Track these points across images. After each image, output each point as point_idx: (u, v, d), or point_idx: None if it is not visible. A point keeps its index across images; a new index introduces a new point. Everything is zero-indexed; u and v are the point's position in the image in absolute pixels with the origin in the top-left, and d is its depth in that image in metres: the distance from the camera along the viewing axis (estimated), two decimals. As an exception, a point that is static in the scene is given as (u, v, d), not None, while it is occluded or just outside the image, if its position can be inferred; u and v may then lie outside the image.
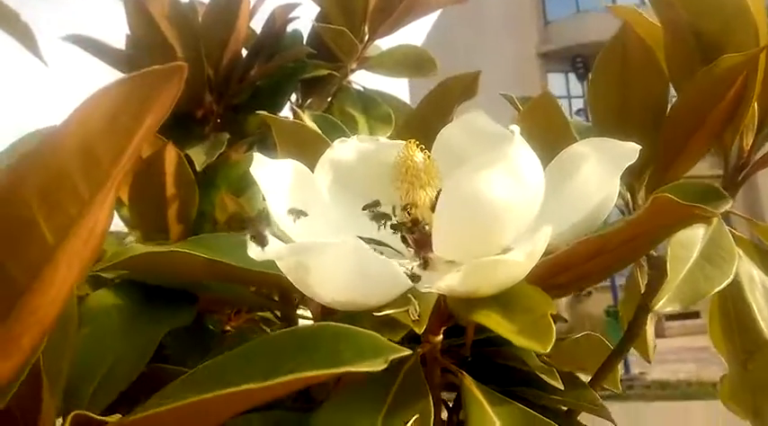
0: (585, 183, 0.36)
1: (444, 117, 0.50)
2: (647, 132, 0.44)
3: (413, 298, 0.30)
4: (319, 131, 0.45)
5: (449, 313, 0.32)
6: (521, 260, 0.27)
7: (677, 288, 0.36)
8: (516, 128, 0.31)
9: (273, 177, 0.39)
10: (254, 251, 0.30)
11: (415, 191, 0.37)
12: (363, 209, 0.40)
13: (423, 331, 0.28)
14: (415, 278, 0.33)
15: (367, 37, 0.89)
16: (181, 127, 0.85)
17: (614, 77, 0.43)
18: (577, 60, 12.68)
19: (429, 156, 0.38)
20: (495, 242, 0.31)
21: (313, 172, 0.43)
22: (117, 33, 0.95)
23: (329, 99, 0.94)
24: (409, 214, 0.37)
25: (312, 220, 0.40)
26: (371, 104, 0.85)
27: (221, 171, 0.74)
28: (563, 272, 0.34)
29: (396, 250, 0.40)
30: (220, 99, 0.88)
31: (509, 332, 0.27)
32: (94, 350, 0.38)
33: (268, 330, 0.88)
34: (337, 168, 0.44)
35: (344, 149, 0.45)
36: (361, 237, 0.41)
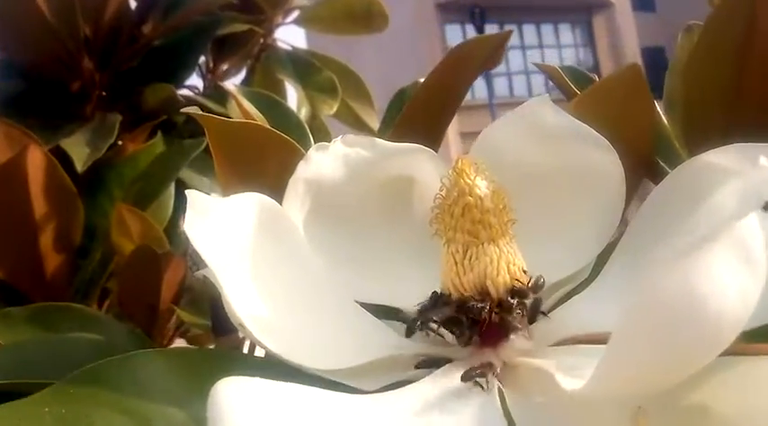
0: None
1: (458, 99, 0.34)
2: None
3: None
4: (284, 136, 0.27)
5: None
6: None
7: None
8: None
9: (223, 233, 0.21)
10: None
11: (481, 250, 0.22)
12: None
13: None
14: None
15: (296, -18, 0.70)
16: (50, 105, 0.63)
17: (734, 38, 0.29)
18: (474, 11, 12.63)
19: (496, 185, 0.22)
20: (696, 365, 0.16)
21: (280, 202, 0.26)
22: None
23: (250, 62, 0.74)
24: (478, 294, 0.21)
25: (292, 286, 0.24)
26: (308, 69, 0.67)
27: (113, 169, 0.54)
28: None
29: (433, 332, 0.24)
30: (104, 65, 0.66)
31: None
32: None
33: None
34: (318, 194, 0.27)
35: (325, 161, 0.28)
36: (366, 307, 0.25)
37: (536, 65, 0.33)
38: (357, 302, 0.25)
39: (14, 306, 0.41)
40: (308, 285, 0.24)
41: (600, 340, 0.23)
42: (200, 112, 0.24)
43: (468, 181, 0.22)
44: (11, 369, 0.30)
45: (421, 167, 0.29)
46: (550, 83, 0.36)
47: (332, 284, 0.25)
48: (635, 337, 0.15)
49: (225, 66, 0.73)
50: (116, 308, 0.56)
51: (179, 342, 0.63)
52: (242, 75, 0.77)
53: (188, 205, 0.21)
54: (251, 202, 0.23)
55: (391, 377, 0.22)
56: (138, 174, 0.53)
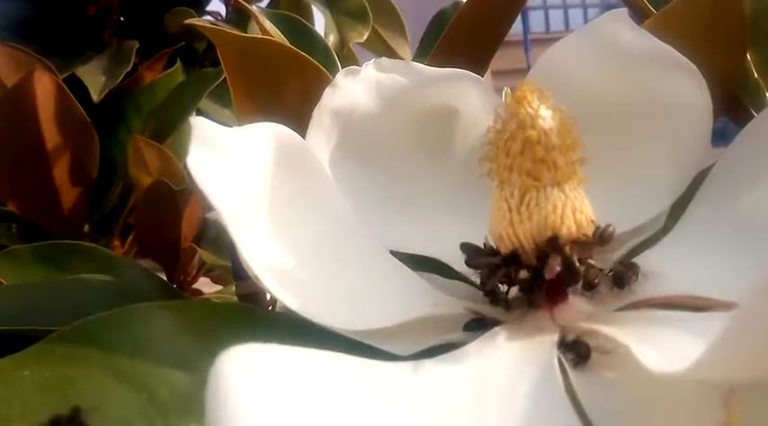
0: None
1: (509, 18, 0.30)
2: None
3: None
4: (308, 56, 0.23)
5: None
6: None
7: None
8: None
9: (235, 171, 0.18)
10: None
11: (543, 195, 0.18)
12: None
13: None
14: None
15: None
16: (65, 31, 0.60)
17: None
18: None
19: (564, 117, 0.18)
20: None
21: (303, 135, 0.22)
22: None
23: (275, -14, 0.69)
24: (535, 246, 0.18)
25: (315, 233, 0.20)
26: (337, -7, 0.62)
27: (130, 98, 0.51)
28: None
29: (471, 284, 0.21)
30: (121, -12, 0.62)
31: None
32: None
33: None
34: (346, 126, 0.24)
35: (356, 89, 0.24)
36: (402, 257, 0.22)
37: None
38: (390, 252, 0.22)
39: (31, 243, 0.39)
40: (334, 231, 0.21)
41: (679, 304, 0.19)
42: (210, 25, 0.20)
43: (531, 110, 0.18)
44: (14, 313, 0.28)
45: (466, 96, 0.25)
46: (590, 18, 0.31)
47: (362, 231, 0.22)
48: (763, 317, 0.11)
49: (249, -10, 0.68)
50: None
51: (204, 281, 0.61)
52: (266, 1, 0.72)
53: (193, 136, 0.17)
54: (268, 134, 0.20)
55: (429, 339, 0.19)
56: (157, 105, 0.50)
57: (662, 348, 0.16)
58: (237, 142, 0.19)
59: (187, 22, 0.22)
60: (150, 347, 0.17)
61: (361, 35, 0.58)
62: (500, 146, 0.18)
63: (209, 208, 0.18)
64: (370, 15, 0.59)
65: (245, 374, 0.12)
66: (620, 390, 0.16)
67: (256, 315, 0.19)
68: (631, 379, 0.16)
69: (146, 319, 0.17)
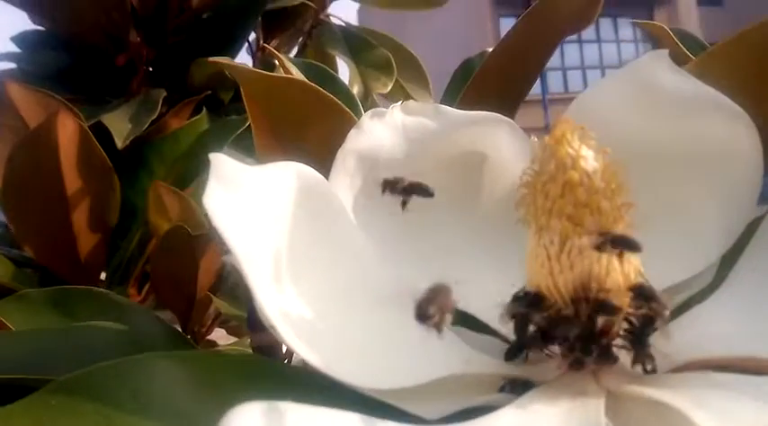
0: None
1: (540, 63, 0.29)
2: None
3: None
4: (332, 97, 0.23)
5: None
6: None
7: None
8: None
9: (254, 210, 0.17)
10: None
11: (586, 242, 0.16)
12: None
13: None
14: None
15: (352, -47, 0.65)
16: (95, 80, 0.61)
17: None
18: (531, 3, 12.22)
19: (607, 158, 0.17)
20: None
21: (326, 176, 0.21)
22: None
23: (301, 39, 0.70)
24: (578, 300, 0.16)
25: (338, 281, 0.19)
26: (362, 46, 0.62)
27: (155, 146, 0.51)
28: None
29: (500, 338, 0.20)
30: (151, 38, 0.63)
31: None
32: None
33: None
34: (372, 170, 0.23)
35: (381, 132, 0.23)
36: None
37: (639, 24, 0.27)
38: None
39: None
40: (357, 279, 0.20)
41: (734, 365, 0.17)
42: (235, 64, 0.20)
43: (572, 150, 0.17)
44: (23, 360, 0.26)
45: (497, 141, 0.24)
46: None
47: (387, 279, 0.20)
48: None
49: (275, 43, 0.69)
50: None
51: (218, 333, 0.59)
52: (293, 53, 0.73)
53: (211, 172, 0.16)
54: (290, 173, 0.19)
55: (459, 400, 0.17)
56: (181, 152, 0.50)
57: (721, 413, 0.14)
58: (258, 180, 0.18)
59: (212, 59, 0.21)
60: (153, 402, 0.15)
61: (385, 86, 0.58)
62: (538, 189, 0.17)
63: (226, 250, 0.17)
64: (395, 67, 0.60)
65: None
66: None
67: (269, 369, 0.18)
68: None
69: (149, 371, 0.16)
